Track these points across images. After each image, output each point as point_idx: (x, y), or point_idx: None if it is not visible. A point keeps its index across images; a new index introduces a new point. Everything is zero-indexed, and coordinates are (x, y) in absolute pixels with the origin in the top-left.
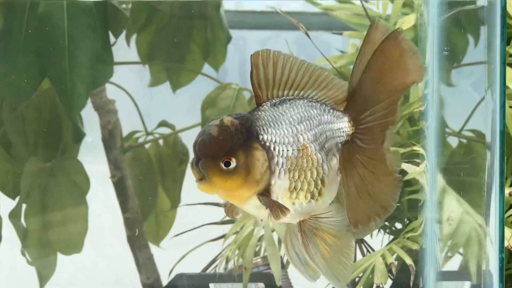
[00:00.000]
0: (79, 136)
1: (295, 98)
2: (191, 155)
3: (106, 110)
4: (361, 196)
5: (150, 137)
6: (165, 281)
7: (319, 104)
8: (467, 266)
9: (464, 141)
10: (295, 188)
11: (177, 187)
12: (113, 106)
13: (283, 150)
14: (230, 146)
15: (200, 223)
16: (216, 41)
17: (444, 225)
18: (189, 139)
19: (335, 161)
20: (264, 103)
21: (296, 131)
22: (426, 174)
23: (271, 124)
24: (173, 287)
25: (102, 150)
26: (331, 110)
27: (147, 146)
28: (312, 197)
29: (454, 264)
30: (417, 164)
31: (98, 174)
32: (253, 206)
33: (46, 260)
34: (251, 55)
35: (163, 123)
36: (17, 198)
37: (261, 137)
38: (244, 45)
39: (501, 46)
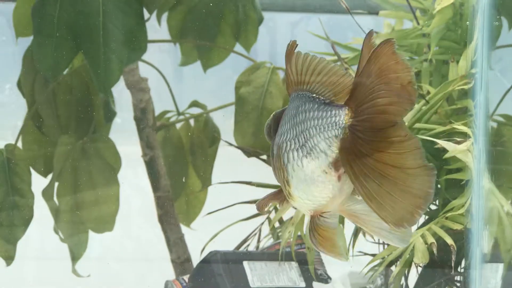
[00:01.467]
0: (110, 115)
1: (300, 92)
2: (223, 135)
3: (138, 88)
4: (394, 194)
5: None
6: (195, 261)
7: (316, 97)
8: (499, 247)
9: (494, 125)
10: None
11: (208, 168)
12: (145, 84)
13: (272, 150)
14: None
15: (231, 203)
16: (248, 21)
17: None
18: (220, 119)
19: (323, 158)
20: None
21: (284, 129)
22: (472, 152)
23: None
24: (206, 263)
25: (132, 132)
26: (325, 104)
27: (178, 126)
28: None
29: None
30: (458, 143)
31: (129, 155)
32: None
33: (78, 237)
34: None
35: (195, 103)
36: (49, 177)
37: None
38: (274, 27)
39: None
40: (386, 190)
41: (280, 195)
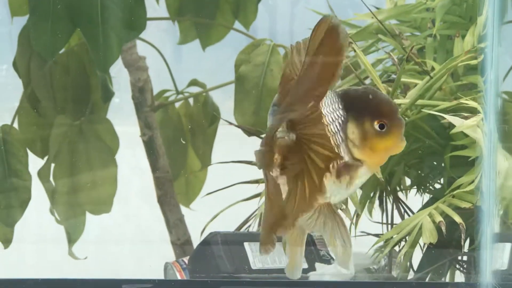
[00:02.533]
0: (108, 95)
1: None
2: (223, 114)
3: (136, 67)
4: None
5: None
6: (195, 242)
7: None
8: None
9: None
10: None
11: (208, 148)
12: (143, 63)
13: None
14: None
15: (231, 183)
16: None
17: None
18: (219, 98)
19: None
20: None
21: None
22: (482, 128)
23: None
24: (206, 245)
25: (130, 112)
26: None
27: (177, 105)
28: None
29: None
30: (466, 118)
31: (127, 136)
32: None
33: (75, 219)
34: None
35: (194, 82)
36: (46, 158)
37: None
38: (274, 5)
39: None
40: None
41: None
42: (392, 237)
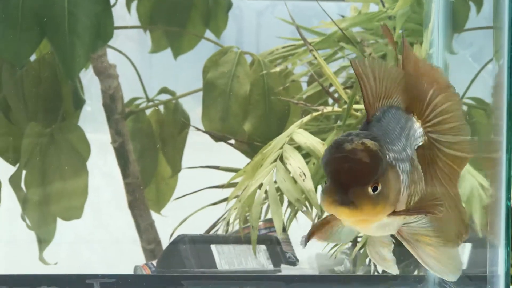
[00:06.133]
0: (79, 102)
1: (386, 107)
2: (193, 121)
3: (107, 75)
4: (449, 210)
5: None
6: (165, 246)
7: (400, 110)
8: (472, 223)
9: (465, 108)
10: (410, 202)
11: (178, 155)
12: (114, 71)
13: (404, 167)
14: (378, 171)
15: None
16: (217, 8)
17: None
18: (189, 106)
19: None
20: (372, 117)
21: (404, 144)
22: None
23: (388, 140)
24: (174, 247)
25: (102, 121)
26: (404, 113)
27: (148, 112)
28: None
29: None
30: None
31: (98, 143)
32: (377, 227)
33: (46, 225)
34: (353, 65)
35: (164, 90)
36: (17, 165)
37: (388, 156)
38: (240, 14)
39: (509, 10)
40: (446, 207)
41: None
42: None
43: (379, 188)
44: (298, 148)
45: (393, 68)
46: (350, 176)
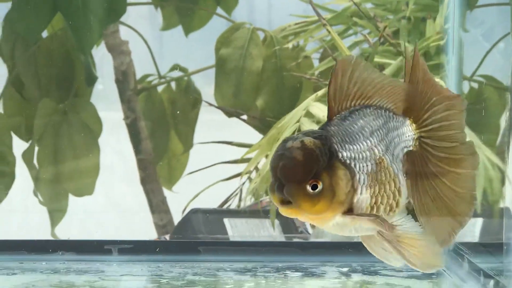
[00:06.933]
0: (91, 79)
1: (362, 107)
2: (204, 98)
3: (119, 51)
4: (442, 213)
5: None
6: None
7: (383, 111)
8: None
9: (475, 86)
10: (375, 203)
11: (190, 131)
12: (126, 47)
13: (362, 166)
14: (316, 169)
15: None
16: None
17: None
18: (201, 83)
19: (401, 167)
20: (335, 117)
21: (370, 144)
22: None
23: (347, 139)
24: (187, 221)
25: (114, 99)
26: (394, 116)
27: (159, 89)
28: (391, 209)
29: None
30: None
31: (110, 121)
32: (334, 225)
33: (58, 201)
34: (336, 63)
35: (176, 67)
36: (30, 141)
37: (340, 154)
38: None
39: None
40: (437, 208)
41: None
42: None
43: (319, 186)
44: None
45: (377, 72)
46: (286, 173)
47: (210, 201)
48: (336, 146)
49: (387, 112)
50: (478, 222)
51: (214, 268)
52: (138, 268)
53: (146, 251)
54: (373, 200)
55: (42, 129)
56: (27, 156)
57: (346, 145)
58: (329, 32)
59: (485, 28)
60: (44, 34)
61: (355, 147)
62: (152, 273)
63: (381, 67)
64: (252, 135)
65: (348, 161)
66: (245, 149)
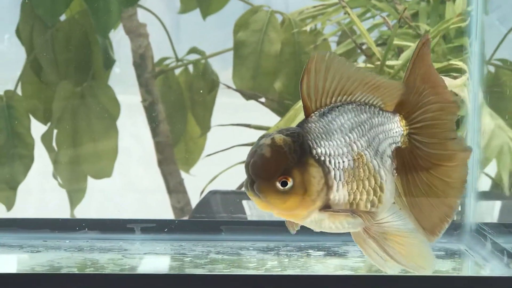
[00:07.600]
0: (109, 62)
1: (344, 103)
2: (222, 80)
3: (137, 34)
4: (432, 201)
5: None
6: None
7: (367, 107)
8: (500, 181)
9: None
10: (354, 199)
11: (207, 114)
12: (144, 30)
13: (338, 163)
14: (285, 166)
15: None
16: None
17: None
18: (219, 67)
19: (389, 163)
20: (312, 114)
21: (349, 139)
22: (468, 87)
23: (323, 136)
24: (206, 203)
25: (132, 82)
26: (381, 112)
27: (177, 72)
28: (373, 205)
29: (485, 185)
30: (455, 78)
31: (128, 105)
32: (312, 222)
33: (77, 183)
34: (307, 61)
35: (194, 50)
36: (48, 124)
37: (314, 151)
38: None
39: None
40: (429, 200)
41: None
42: None
43: (289, 183)
44: None
45: (354, 66)
46: (255, 170)
47: (228, 183)
48: (310, 143)
49: (372, 107)
50: (497, 205)
51: (236, 247)
52: (161, 246)
53: (169, 230)
54: (352, 197)
55: (60, 112)
56: (46, 138)
57: (322, 142)
58: (348, 14)
59: (501, 12)
60: (62, 18)
61: (331, 143)
62: (175, 251)
63: (400, 49)
64: (270, 118)
65: (322, 158)
66: (263, 132)
